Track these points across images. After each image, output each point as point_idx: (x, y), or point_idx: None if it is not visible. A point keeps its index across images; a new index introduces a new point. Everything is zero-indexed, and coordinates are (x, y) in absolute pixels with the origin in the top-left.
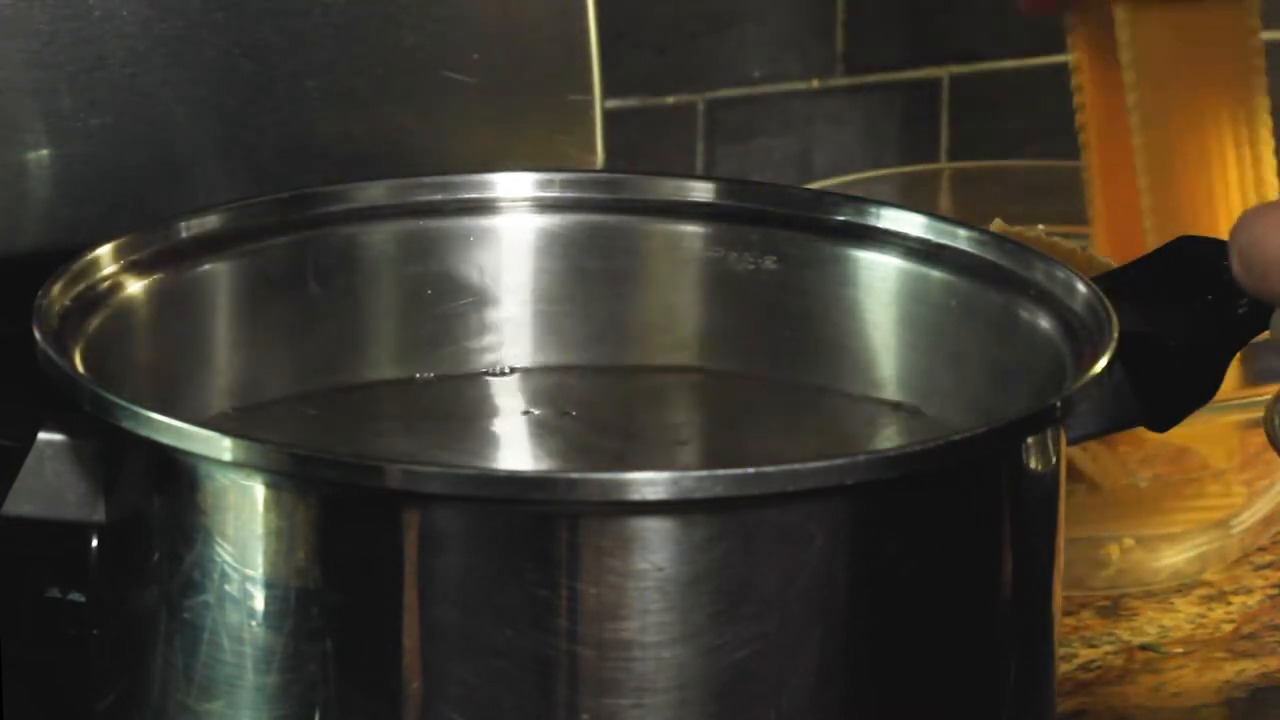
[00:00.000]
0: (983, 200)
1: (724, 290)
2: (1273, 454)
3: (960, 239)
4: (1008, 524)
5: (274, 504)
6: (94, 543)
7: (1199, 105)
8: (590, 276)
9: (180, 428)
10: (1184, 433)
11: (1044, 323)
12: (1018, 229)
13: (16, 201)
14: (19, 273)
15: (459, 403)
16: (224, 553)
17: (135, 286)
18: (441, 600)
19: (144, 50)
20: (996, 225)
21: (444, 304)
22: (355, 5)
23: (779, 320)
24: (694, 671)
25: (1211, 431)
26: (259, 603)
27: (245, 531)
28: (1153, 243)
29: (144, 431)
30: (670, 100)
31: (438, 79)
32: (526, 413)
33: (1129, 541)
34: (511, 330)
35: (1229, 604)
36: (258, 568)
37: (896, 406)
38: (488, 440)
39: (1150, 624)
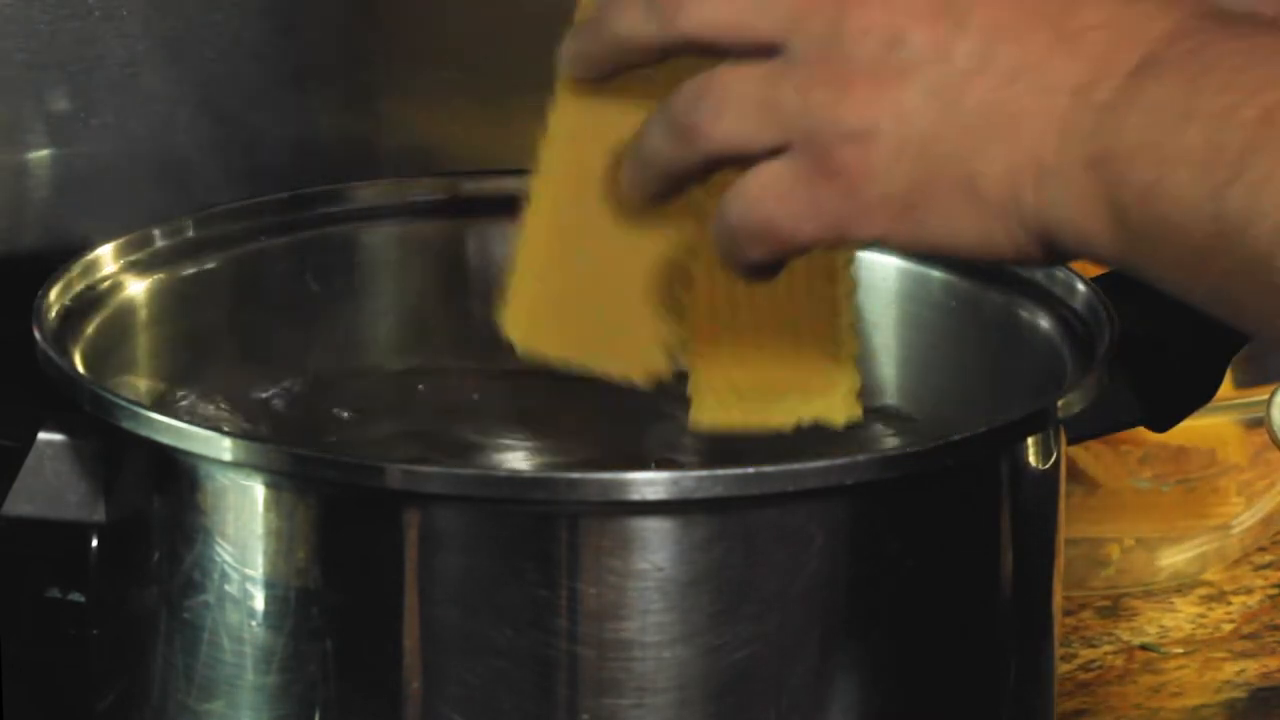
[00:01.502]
0: None
1: None
2: (1272, 454)
3: None
4: (1008, 524)
5: (274, 504)
6: (94, 543)
7: None
8: None
9: (180, 428)
10: (1191, 434)
11: (1044, 323)
12: None
13: (16, 201)
14: (19, 273)
15: (459, 402)
16: (224, 553)
17: (135, 286)
18: (441, 600)
19: (144, 50)
20: None
21: (443, 303)
22: (355, 5)
23: None
24: (694, 671)
25: (1221, 431)
26: (259, 603)
27: (245, 531)
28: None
29: (144, 431)
30: None
31: (438, 79)
32: (527, 412)
33: (1129, 541)
34: None
35: (1229, 604)
36: (258, 568)
37: (896, 407)
38: (488, 440)
39: (1150, 624)
